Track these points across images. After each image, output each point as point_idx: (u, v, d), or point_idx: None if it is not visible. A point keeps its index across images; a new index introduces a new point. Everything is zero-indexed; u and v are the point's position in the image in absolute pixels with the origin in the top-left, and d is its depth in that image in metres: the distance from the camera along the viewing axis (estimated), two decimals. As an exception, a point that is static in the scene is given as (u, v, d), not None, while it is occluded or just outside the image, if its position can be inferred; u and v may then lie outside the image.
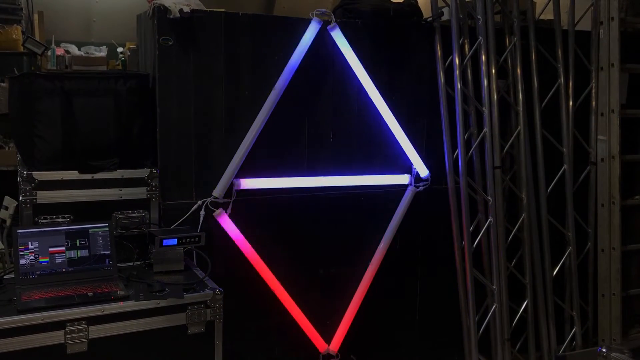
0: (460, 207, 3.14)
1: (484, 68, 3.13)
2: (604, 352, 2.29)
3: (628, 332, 3.60)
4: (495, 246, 3.19)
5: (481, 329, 3.23)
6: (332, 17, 2.85)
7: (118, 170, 2.57)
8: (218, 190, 2.73)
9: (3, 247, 2.58)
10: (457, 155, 3.12)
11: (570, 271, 3.44)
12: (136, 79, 2.63)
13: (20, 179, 2.46)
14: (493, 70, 3.15)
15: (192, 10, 2.63)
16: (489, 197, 3.17)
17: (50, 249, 2.31)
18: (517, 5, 3.23)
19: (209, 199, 2.73)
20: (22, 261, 2.26)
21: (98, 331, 2.11)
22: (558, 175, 3.40)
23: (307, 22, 2.82)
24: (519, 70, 3.25)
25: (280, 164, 2.91)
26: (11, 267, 2.38)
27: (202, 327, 2.30)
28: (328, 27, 2.85)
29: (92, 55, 4.62)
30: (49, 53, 4.34)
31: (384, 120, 3.05)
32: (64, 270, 2.32)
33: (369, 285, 3.12)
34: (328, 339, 3.09)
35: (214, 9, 2.76)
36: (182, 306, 2.25)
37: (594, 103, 3.46)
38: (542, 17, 3.44)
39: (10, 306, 2.07)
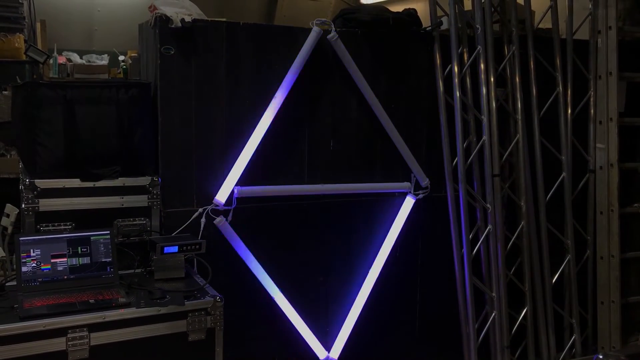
0: (460, 215, 3.15)
1: (482, 77, 3.15)
2: (601, 358, 2.29)
3: (627, 340, 3.60)
4: (495, 254, 3.20)
5: (481, 337, 3.24)
6: (332, 26, 2.87)
7: (120, 178, 2.58)
8: (219, 198, 2.75)
9: (5, 254, 2.59)
10: (457, 163, 3.14)
11: (569, 279, 3.45)
12: (138, 88, 2.64)
13: (23, 187, 2.47)
14: (492, 79, 3.17)
15: (194, 20, 2.65)
16: (488, 205, 3.18)
17: (52, 257, 2.32)
18: (516, 15, 3.25)
19: (209, 207, 2.74)
20: (24, 268, 2.27)
21: (99, 338, 2.12)
22: (557, 183, 3.41)
23: (307, 32, 2.84)
24: (517, 79, 3.27)
25: (280, 172, 2.92)
26: (13, 275, 2.39)
27: (202, 334, 2.31)
28: (328, 37, 2.88)
29: (93, 64, 4.67)
30: (51, 61, 4.38)
31: (384, 129, 3.07)
32: (65, 277, 2.33)
33: (369, 292, 3.13)
34: (328, 346, 3.09)
35: (215, 19, 2.78)
36: (182, 313, 2.26)
37: (592, 111, 3.48)
38: (540, 26, 3.46)
39: (13, 313, 2.09)
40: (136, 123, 2.62)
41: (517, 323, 3.34)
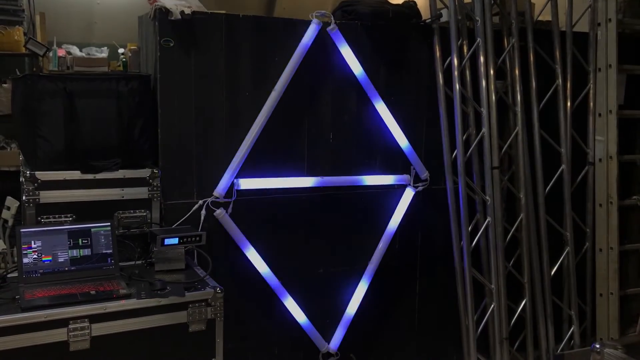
0: (459, 207, 3.16)
1: (482, 69, 3.15)
2: (597, 348, 2.31)
3: (626, 331, 3.62)
4: (494, 246, 3.21)
5: (480, 328, 3.25)
6: (332, 18, 2.87)
7: (120, 171, 2.59)
8: (219, 190, 2.76)
9: (5, 246, 2.60)
10: (456, 155, 3.15)
11: (568, 271, 3.46)
12: (138, 80, 2.65)
13: (23, 179, 2.48)
14: (491, 71, 3.17)
15: (193, 12, 2.65)
16: (487, 197, 3.19)
17: (53, 248, 2.33)
18: (516, 7, 3.25)
19: (209, 199, 2.75)
20: (25, 260, 2.29)
21: (100, 329, 2.14)
22: (556, 176, 3.42)
23: (307, 24, 2.84)
24: (517, 71, 3.27)
25: (280, 164, 2.93)
26: (14, 267, 2.40)
27: (203, 325, 2.32)
28: (328, 29, 2.88)
29: (93, 57, 4.65)
30: (51, 54, 4.37)
31: (384, 121, 3.08)
32: (66, 269, 2.34)
33: (368, 284, 3.14)
34: (328, 338, 3.11)
35: (215, 11, 2.78)
36: (183, 304, 2.28)
37: (591, 104, 3.49)
38: (540, 18, 3.46)
39: (14, 304, 2.10)
40: (136, 115, 2.63)
41: (516, 315, 3.36)
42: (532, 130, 3.34)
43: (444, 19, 3.12)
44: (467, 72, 3.18)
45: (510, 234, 3.32)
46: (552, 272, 3.43)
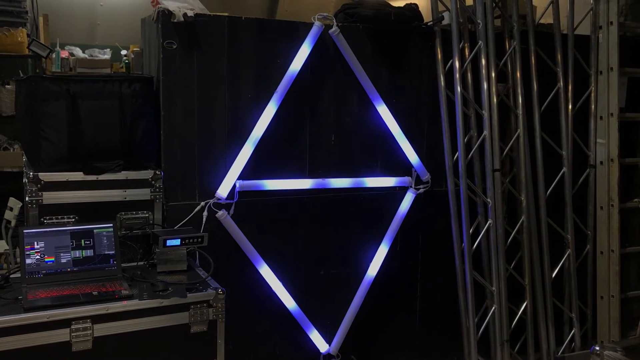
0: (460, 209, 3.17)
1: (484, 72, 3.16)
2: (597, 350, 2.31)
3: (627, 334, 3.62)
4: (495, 248, 3.22)
5: (480, 330, 3.26)
6: (334, 21, 2.88)
7: (122, 172, 2.60)
8: (221, 192, 2.77)
9: (8, 247, 2.61)
10: (457, 157, 3.15)
11: (569, 273, 3.46)
12: (140, 82, 2.66)
13: (27, 180, 2.49)
14: (493, 74, 3.18)
15: (196, 15, 2.66)
16: (488, 200, 3.20)
17: (55, 249, 2.34)
18: (517, 10, 3.26)
19: (211, 200, 2.76)
20: (28, 261, 2.30)
21: (102, 329, 2.15)
22: (557, 178, 3.42)
23: (309, 26, 2.85)
24: (518, 74, 3.28)
25: (282, 166, 2.94)
26: (16, 267, 2.41)
27: (204, 326, 2.33)
28: (330, 31, 2.89)
29: (96, 58, 4.68)
30: (54, 56, 4.39)
31: (385, 123, 3.09)
32: (69, 269, 2.35)
33: (369, 286, 3.15)
34: (329, 340, 3.12)
35: (218, 13, 2.80)
36: (185, 305, 2.28)
37: (593, 107, 3.49)
38: (541, 21, 3.47)
39: (17, 304, 2.11)
40: (139, 117, 2.64)
41: (517, 317, 3.36)
42: (534, 132, 3.35)
43: (445, 21, 3.13)
44: (469, 75, 3.19)
45: (511, 237, 3.32)
46: (553, 275, 3.43)
